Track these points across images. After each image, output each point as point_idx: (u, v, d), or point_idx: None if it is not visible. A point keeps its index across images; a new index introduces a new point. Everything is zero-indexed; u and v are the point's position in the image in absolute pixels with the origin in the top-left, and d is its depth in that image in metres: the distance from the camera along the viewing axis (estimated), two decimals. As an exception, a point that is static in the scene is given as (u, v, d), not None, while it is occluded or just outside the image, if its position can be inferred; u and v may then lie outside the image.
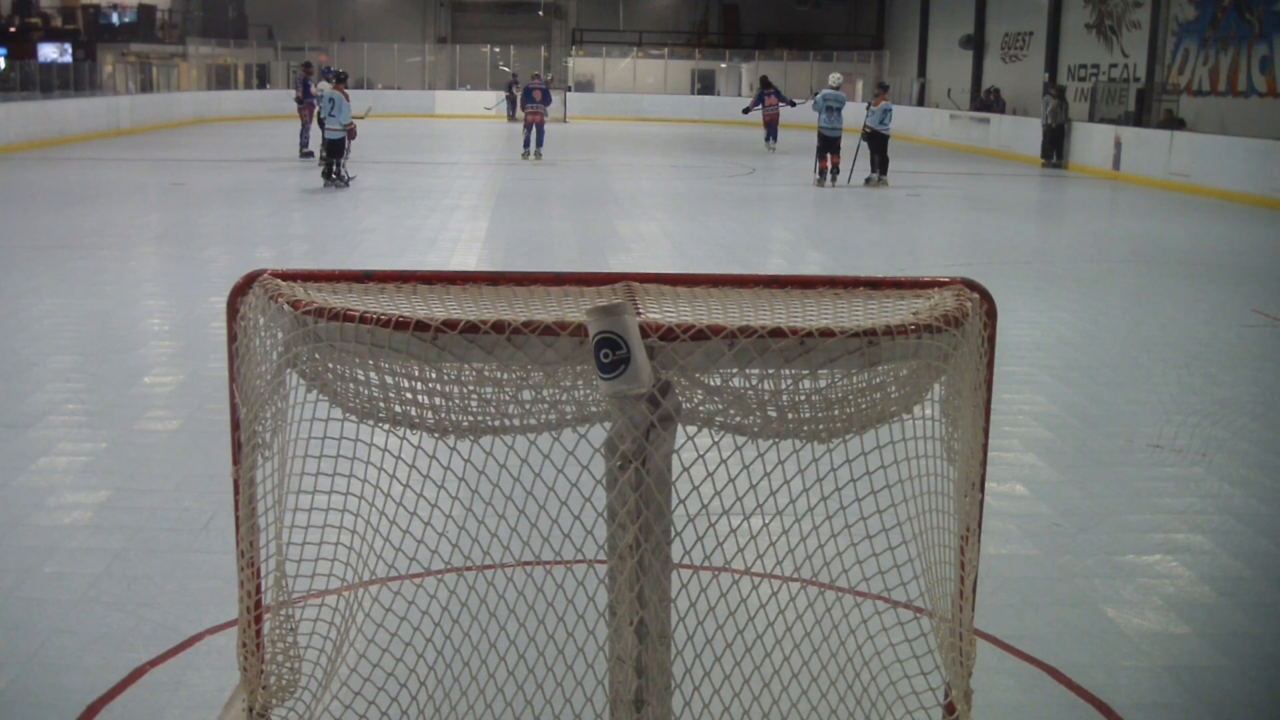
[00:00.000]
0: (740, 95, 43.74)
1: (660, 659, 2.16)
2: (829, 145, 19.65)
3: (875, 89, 21.41)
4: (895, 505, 2.31)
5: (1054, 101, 24.33)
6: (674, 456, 2.08)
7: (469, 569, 2.49)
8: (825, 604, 2.39)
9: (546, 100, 23.64)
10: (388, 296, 2.30)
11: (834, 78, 20.83)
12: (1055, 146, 24.30)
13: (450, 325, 1.94)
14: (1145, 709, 3.58)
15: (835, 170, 19.72)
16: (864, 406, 2.08)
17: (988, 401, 2.31)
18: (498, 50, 44.59)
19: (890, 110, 19.65)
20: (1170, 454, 5.99)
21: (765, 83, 27.87)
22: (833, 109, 19.63)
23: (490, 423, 2.08)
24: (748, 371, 1.98)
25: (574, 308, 2.32)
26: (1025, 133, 27.12)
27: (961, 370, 2.18)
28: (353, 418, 2.13)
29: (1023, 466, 5.76)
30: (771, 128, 26.98)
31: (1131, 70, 27.09)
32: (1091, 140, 23.85)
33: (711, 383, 2.01)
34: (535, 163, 22.63)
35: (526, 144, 23.40)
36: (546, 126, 23.85)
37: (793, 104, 26.96)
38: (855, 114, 22.26)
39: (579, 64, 45.29)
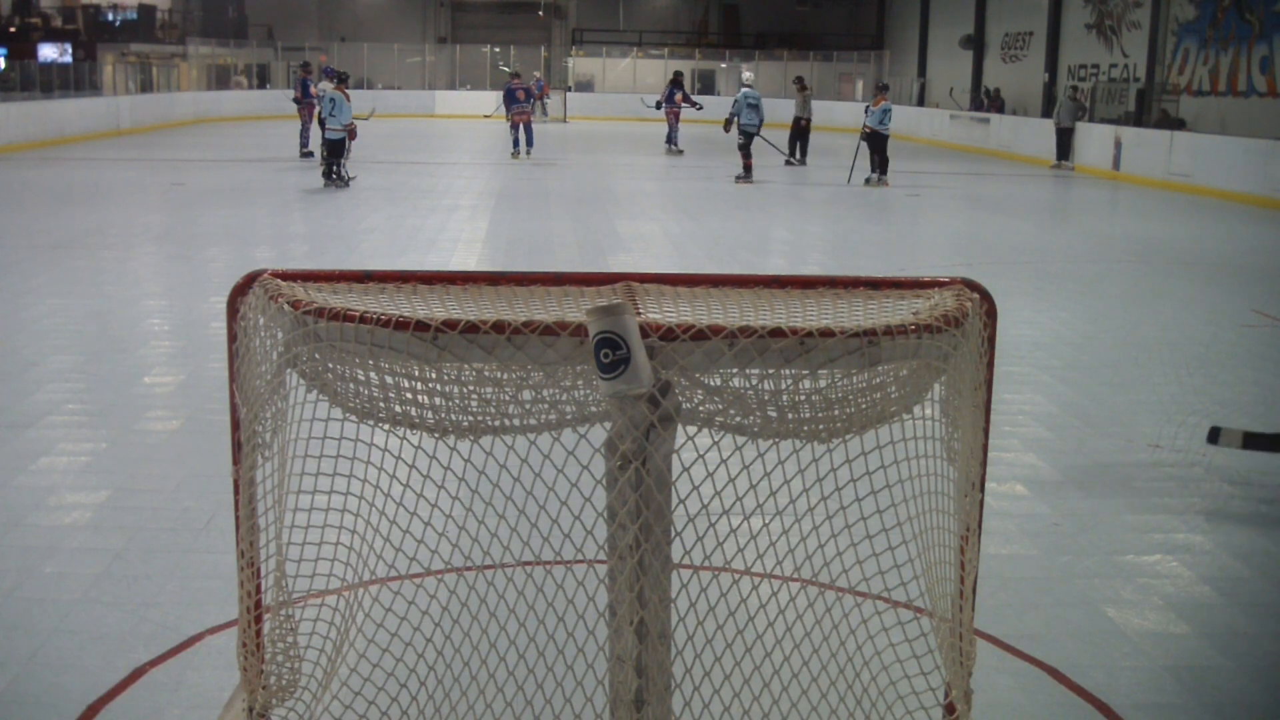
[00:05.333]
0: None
1: (660, 659, 2.16)
2: (752, 141, 20.07)
3: (875, 89, 21.47)
4: (895, 505, 2.31)
5: (1070, 104, 24.41)
6: (674, 456, 2.08)
7: (469, 569, 2.49)
8: (825, 604, 2.39)
9: (530, 100, 23.79)
10: (388, 296, 2.30)
11: (748, 75, 21.29)
12: (1065, 147, 24.28)
13: (450, 325, 1.94)
14: (1145, 709, 3.58)
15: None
16: (864, 406, 2.08)
17: (988, 401, 2.31)
18: (498, 50, 44.57)
19: (890, 110, 19.68)
20: (1170, 454, 5.98)
21: (677, 81, 25.99)
22: (753, 106, 20.05)
23: (490, 423, 2.08)
24: (748, 371, 1.98)
25: (574, 308, 2.32)
26: (1025, 133, 27.11)
27: (961, 370, 2.19)
28: (353, 418, 2.13)
29: (1023, 466, 5.76)
30: (673, 129, 25.52)
31: (1131, 70, 27.10)
32: (1091, 140, 23.85)
33: (711, 383, 2.01)
34: (528, 161, 22.68)
35: (515, 144, 23.51)
36: (535, 126, 23.99)
37: (698, 106, 25.90)
38: (854, 113, 22.32)
39: (579, 64, 45.28)
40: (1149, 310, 10.01)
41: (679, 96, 25.22)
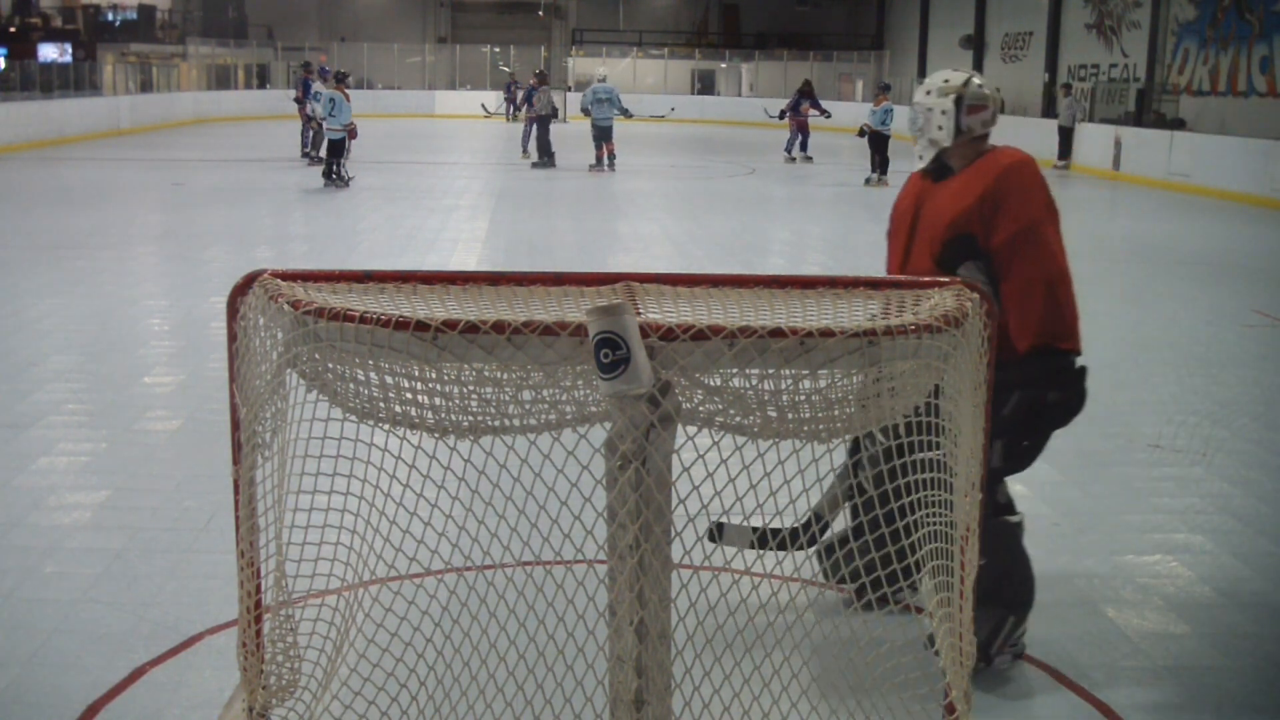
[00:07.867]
0: (740, 95, 43.74)
1: (660, 659, 2.16)
2: (605, 135, 20.74)
3: (877, 90, 21.50)
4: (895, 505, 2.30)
5: (1064, 101, 24.50)
6: (674, 456, 2.08)
7: (469, 569, 2.49)
8: (825, 604, 2.39)
9: (527, 99, 24.02)
10: (388, 296, 2.29)
11: (601, 72, 22.00)
12: (1066, 147, 24.27)
13: (450, 325, 1.94)
14: (1145, 709, 3.58)
15: (612, 157, 20.88)
16: (864, 406, 2.08)
17: (988, 402, 2.31)
18: (498, 50, 44.58)
19: (891, 111, 19.73)
20: (1170, 454, 5.98)
21: (805, 91, 24.34)
22: (602, 101, 20.55)
23: (490, 423, 2.08)
24: (748, 371, 1.98)
25: (574, 308, 2.32)
26: (1024, 132, 27.07)
27: (961, 370, 2.18)
28: (353, 418, 2.13)
29: (1023, 466, 5.75)
30: (802, 137, 24.36)
31: (1131, 70, 27.11)
32: (1091, 140, 23.85)
33: (711, 383, 2.01)
34: (528, 161, 22.74)
35: (525, 140, 23.84)
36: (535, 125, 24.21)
37: (827, 114, 24.40)
38: (854, 113, 22.34)
39: (579, 64, 45.27)
40: (1149, 310, 10.01)
41: (805, 106, 23.96)
